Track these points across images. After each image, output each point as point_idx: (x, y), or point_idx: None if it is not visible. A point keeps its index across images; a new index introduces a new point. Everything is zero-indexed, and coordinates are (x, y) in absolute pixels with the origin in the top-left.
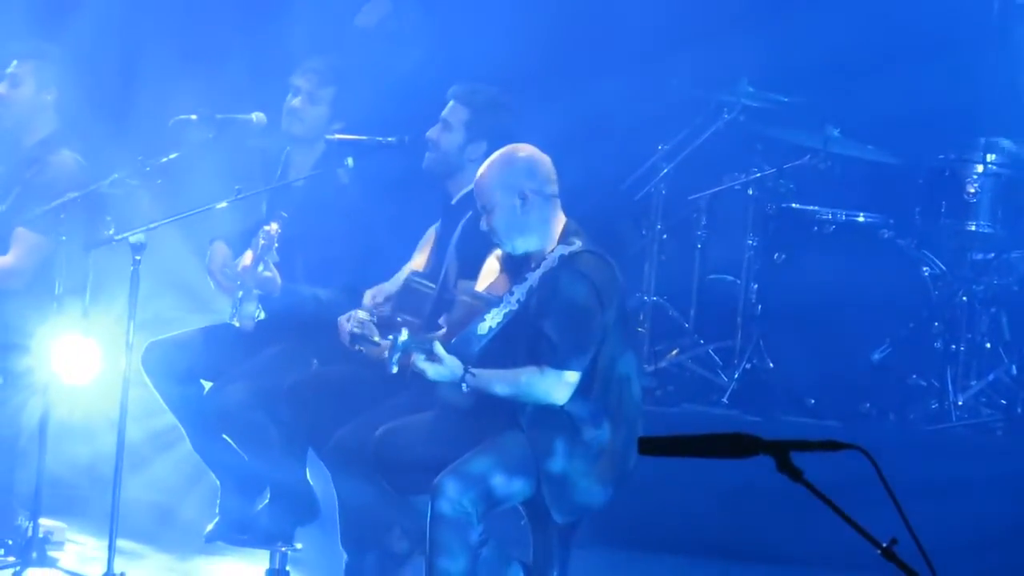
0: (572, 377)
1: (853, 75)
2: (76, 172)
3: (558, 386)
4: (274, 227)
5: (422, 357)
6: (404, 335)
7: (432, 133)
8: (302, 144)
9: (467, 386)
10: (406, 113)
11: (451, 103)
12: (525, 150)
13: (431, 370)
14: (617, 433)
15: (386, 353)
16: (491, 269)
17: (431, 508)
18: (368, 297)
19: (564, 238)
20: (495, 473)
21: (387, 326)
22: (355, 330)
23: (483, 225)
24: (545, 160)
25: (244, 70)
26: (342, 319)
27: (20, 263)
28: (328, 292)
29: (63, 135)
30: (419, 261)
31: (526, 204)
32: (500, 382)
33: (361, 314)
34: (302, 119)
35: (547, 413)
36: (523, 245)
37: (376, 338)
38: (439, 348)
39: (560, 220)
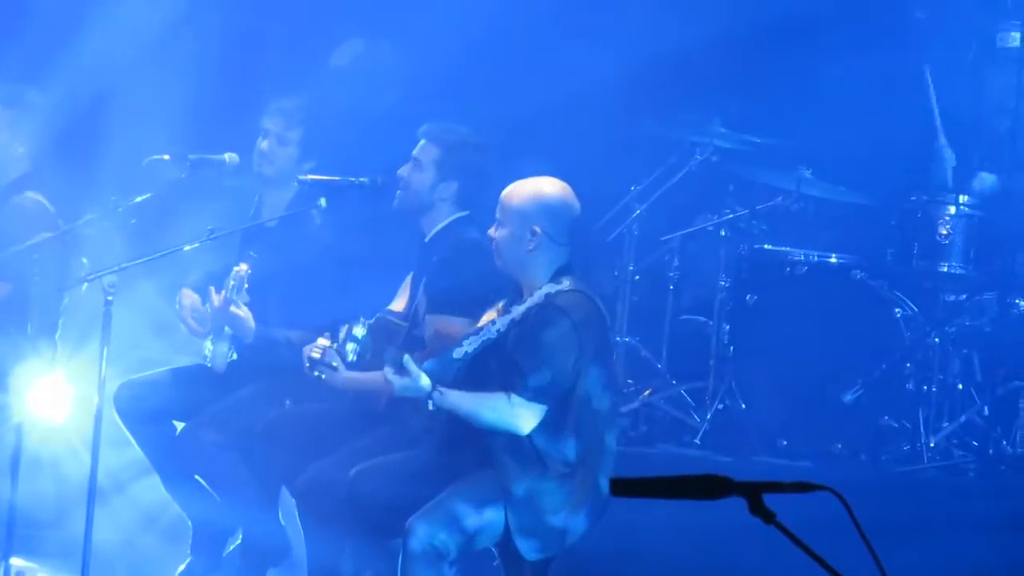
0: (538, 409)
1: (825, 117)
2: (36, 215)
3: (523, 416)
4: (243, 268)
5: (391, 370)
6: (359, 328)
7: (403, 171)
8: (274, 185)
9: (433, 404)
10: (380, 153)
11: (422, 142)
12: (558, 191)
13: (399, 383)
14: (586, 458)
15: (337, 361)
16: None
17: (404, 548)
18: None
19: (555, 276)
20: (467, 511)
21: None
22: (313, 354)
23: (491, 231)
24: (574, 209)
25: (218, 110)
26: (306, 348)
27: None
28: (300, 334)
29: (30, 178)
30: (399, 304)
31: (534, 241)
32: (467, 403)
33: (322, 341)
34: (272, 161)
35: (516, 447)
36: (514, 272)
37: (335, 363)
38: (409, 361)
39: (558, 262)
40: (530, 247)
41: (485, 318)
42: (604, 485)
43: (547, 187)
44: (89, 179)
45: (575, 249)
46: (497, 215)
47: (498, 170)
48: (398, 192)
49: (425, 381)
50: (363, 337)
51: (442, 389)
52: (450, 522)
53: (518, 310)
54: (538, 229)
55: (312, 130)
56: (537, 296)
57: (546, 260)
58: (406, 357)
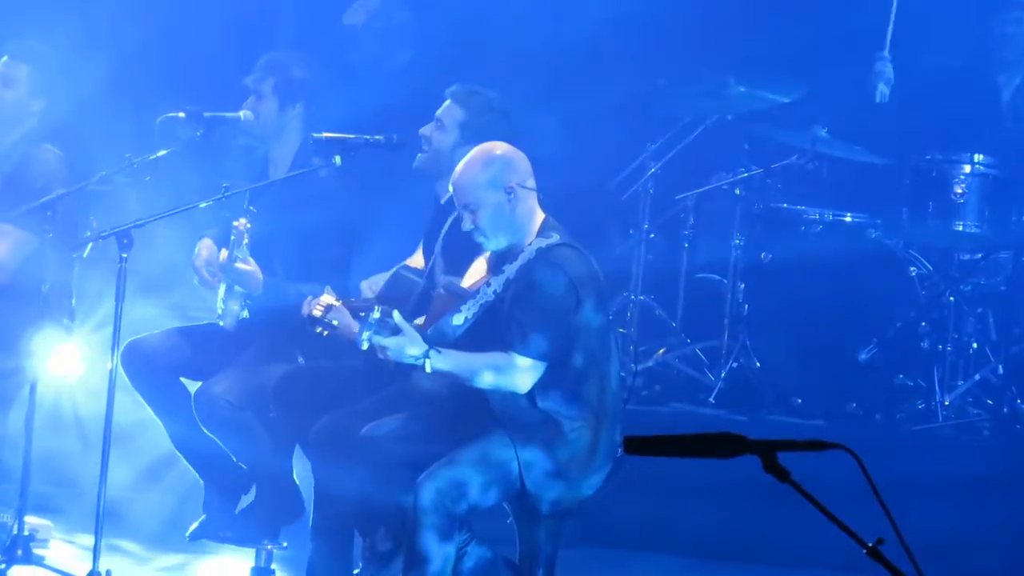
0: (538, 366)
1: (841, 75)
2: (57, 168)
3: (523, 373)
4: (242, 222)
5: (384, 334)
6: (376, 313)
7: (426, 131)
8: (272, 140)
9: (431, 365)
10: (392, 111)
11: (447, 102)
12: (501, 147)
13: (393, 344)
14: (597, 413)
15: (355, 329)
16: (478, 268)
17: (413, 506)
18: (365, 287)
19: (542, 232)
20: (478, 469)
21: (364, 309)
22: (315, 312)
23: (466, 224)
24: (522, 155)
25: (233, 67)
26: (305, 305)
27: (3, 259)
28: (311, 286)
29: (46, 131)
30: (417, 259)
31: (512, 198)
32: (465, 363)
33: (326, 298)
34: (257, 116)
35: (526, 408)
36: (507, 240)
37: (335, 322)
38: (399, 318)
39: (539, 215)
40: (511, 205)
41: (475, 274)
42: (617, 439)
43: (493, 149)
44: (105, 135)
45: (590, 208)
46: (462, 203)
47: (516, 131)
48: (419, 153)
49: (419, 340)
50: (377, 319)
51: (439, 349)
52: (461, 480)
53: (511, 268)
54: (511, 183)
55: (285, 77)
56: (529, 251)
57: (528, 211)
58: (395, 313)
